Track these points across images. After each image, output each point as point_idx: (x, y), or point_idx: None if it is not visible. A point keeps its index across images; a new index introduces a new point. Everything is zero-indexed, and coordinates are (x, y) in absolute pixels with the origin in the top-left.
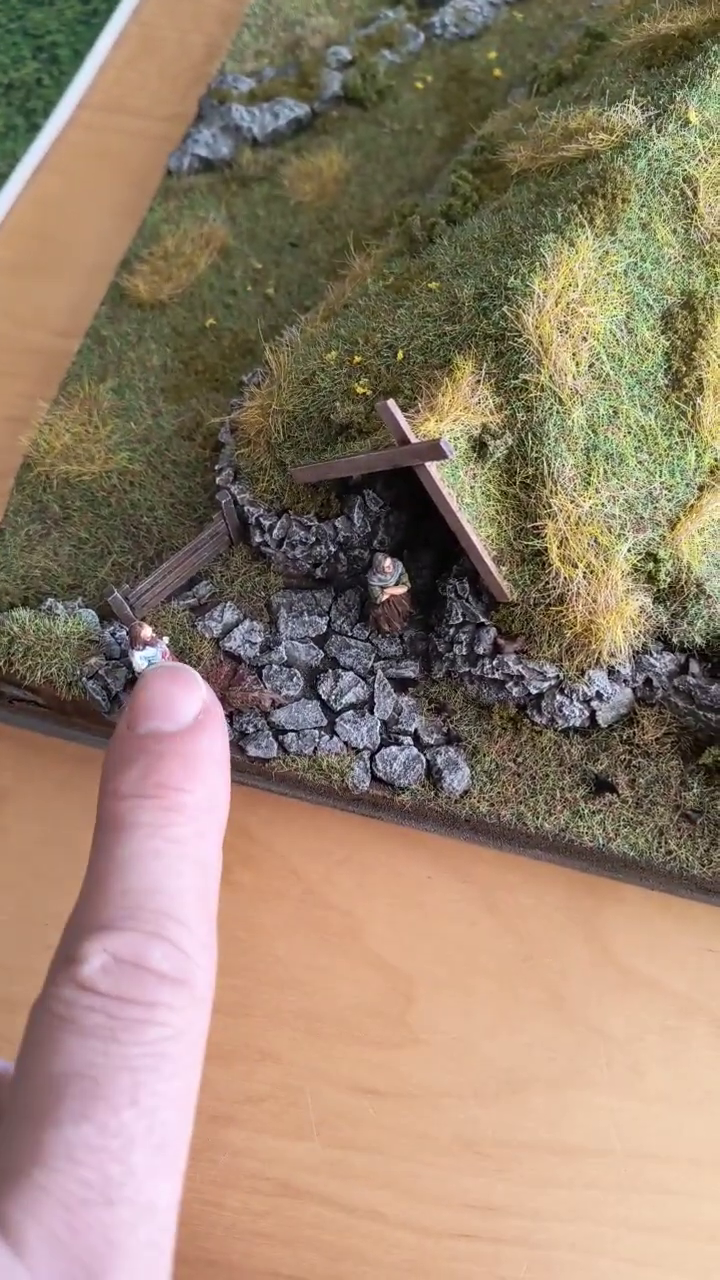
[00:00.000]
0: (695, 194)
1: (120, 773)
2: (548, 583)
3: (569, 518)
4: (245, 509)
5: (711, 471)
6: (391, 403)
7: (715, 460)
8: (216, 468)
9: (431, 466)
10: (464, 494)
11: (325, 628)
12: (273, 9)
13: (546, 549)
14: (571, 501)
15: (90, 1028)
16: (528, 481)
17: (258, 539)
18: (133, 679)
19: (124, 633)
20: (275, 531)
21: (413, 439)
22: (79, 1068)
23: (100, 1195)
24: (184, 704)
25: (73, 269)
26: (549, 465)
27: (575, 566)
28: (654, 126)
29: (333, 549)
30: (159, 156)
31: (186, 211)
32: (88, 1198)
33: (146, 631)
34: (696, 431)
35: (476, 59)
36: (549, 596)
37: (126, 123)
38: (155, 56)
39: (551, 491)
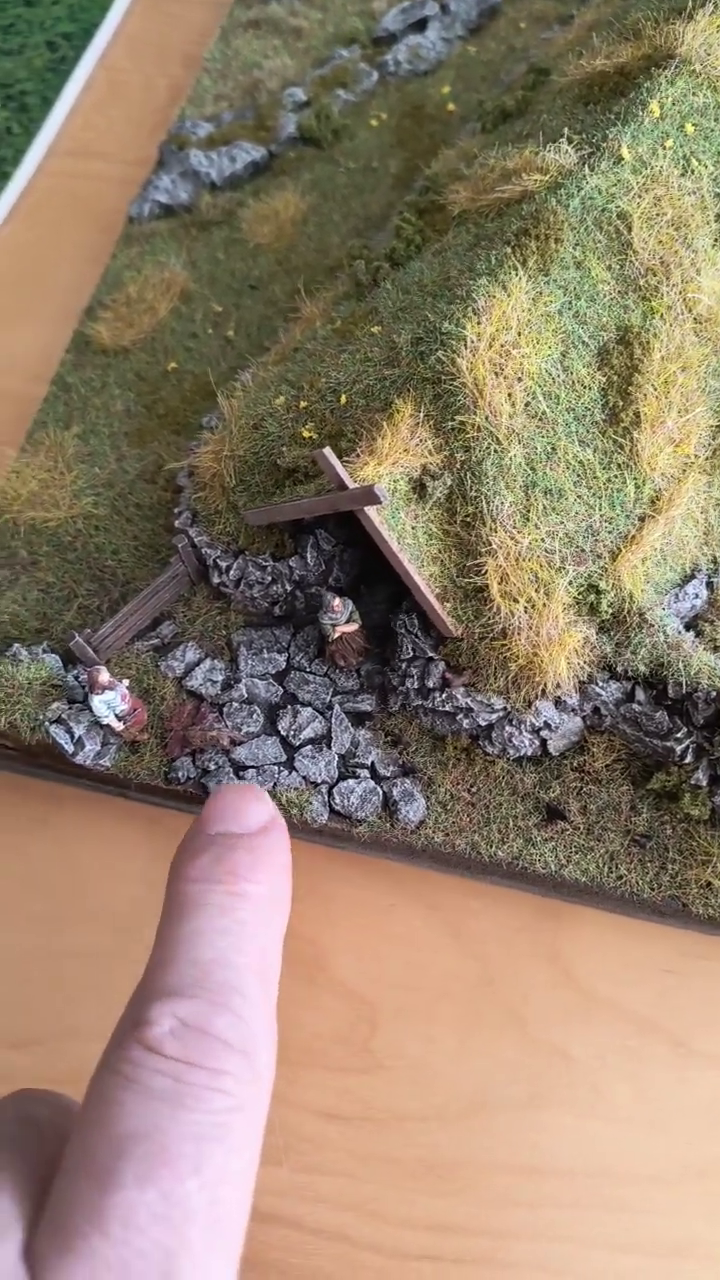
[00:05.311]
0: (629, 229)
1: (191, 860)
2: (490, 618)
3: (509, 554)
4: (203, 551)
5: (652, 502)
6: (328, 450)
7: (655, 491)
8: (175, 510)
9: (371, 510)
10: (405, 534)
11: (284, 664)
12: (231, 52)
13: (488, 585)
14: (511, 538)
15: (156, 1090)
16: (468, 520)
17: (216, 579)
18: (95, 721)
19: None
20: (232, 572)
21: (350, 485)
22: (144, 1129)
23: (157, 1269)
24: (253, 813)
25: (42, 315)
26: (488, 503)
27: (516, 601)
28: (587, 165)
29: (289, 587)
30: (125, 200)
31: (148, 257)
32: (144, 1271)
33: (104, 676)
34: (635, 464)
35: (430, 94)
36: (492, 631)
37: (94, 168)
38: (121, 101)
39: (491, 529)
